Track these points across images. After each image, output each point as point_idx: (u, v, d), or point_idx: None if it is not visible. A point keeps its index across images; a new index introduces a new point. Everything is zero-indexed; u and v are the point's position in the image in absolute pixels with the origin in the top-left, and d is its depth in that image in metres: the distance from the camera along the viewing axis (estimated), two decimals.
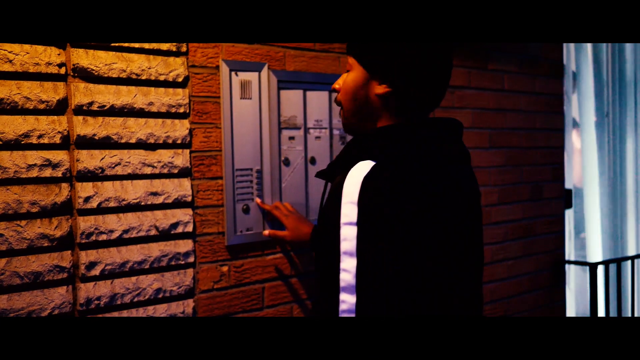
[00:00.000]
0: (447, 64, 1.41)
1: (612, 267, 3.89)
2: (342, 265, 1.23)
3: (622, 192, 4.26)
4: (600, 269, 3.44)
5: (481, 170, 2.90)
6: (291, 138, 2.21)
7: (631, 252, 4.26)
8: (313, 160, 2.26)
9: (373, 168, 1.26)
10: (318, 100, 2.27)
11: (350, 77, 1.45)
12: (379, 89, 1.40)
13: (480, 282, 1.44)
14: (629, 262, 3.84)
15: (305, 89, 2.24)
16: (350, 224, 1.22)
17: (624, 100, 4.23)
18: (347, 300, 1.24)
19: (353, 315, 1.23)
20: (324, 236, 1.35)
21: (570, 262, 3.42)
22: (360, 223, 1.21)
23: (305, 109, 2.24)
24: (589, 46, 4.03)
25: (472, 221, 1.38)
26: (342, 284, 1.24)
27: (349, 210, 1.23)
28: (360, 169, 1.27)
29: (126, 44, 1.83)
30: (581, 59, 4.02)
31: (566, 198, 3.45)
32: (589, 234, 4.12)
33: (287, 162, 2.19)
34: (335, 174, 1.40)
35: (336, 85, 1.51)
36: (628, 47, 4.23)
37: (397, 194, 1.22)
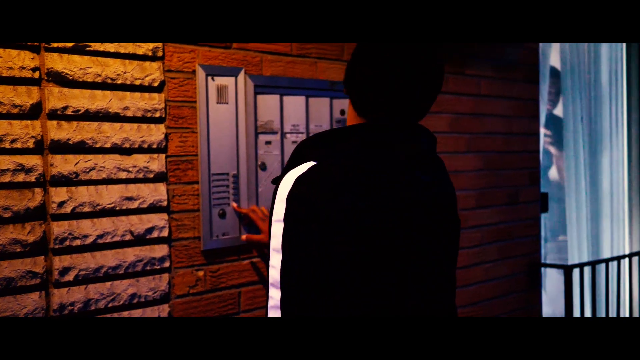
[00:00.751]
0: (412, 66, 1.32)
1: (587, 270, 3.93)
2: (271, 261, 1.25)
3: (598, 195, 4.30)
4: (576, 272, 3.47)
5: (459, 175, 2.92)
6: (268, 142, 2.21)
7: (606, 254, 4.31)
8: None
9: (310, 168, 1.25)
10: (295, 104, 2.27)
11: None
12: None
13: (437, 287, 1.35)
14: (604, 264, 3.88)
15: (281, 94, 2.24)
16: (279, 221, 1.23)
17: (599, 103, 4.28)
18: (274, 297, 1.25)
19: (278, 311, 1.24)
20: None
21: (546, 265, 3.45)
22: (286, 219, 1.22)
23: (282, 114, 2.24)
24: (568, 46, 4.07)
25: (421, 227, 1.30)
26: (270, 280, 1.25)
27: (279, 208, 1.24)
28: (299, 170, 1.26)
29: (101, 48, 1.82)
30: (565, 59, 4.06)
31: (542, 202, 3.49)
32: (569, 237, 4.16)
33: (263, 167, 2.19)
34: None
35: None
36: (604, 47, 4.28)
37: (324, 192, 1.21)
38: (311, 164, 1.26)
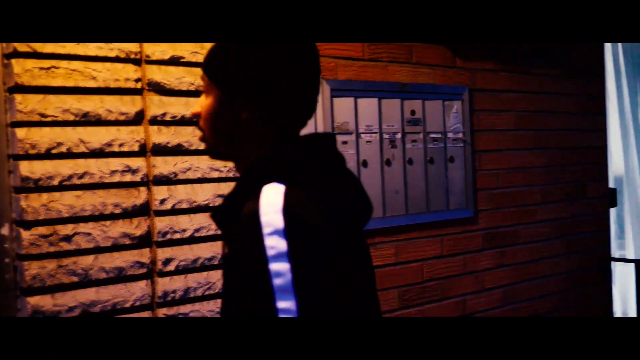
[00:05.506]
0: (316, 64, 1.22)
1: None
2: (280, 305, 1.07)
3: None
4: None
5: (525, 171, 3.01)
6: (344, 142, 2.36)
7: None
8: (365, 163, 2.40)
9: (287, 193, 1.10)
10: (368, 106, 2.42)
11: (208, 100, 1.23)
12: (243, 108, 1.19)
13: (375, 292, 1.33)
14: None
15: (355, 97, 2.39)
16: (280, 256, 1.06)
17: None
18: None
19: None
20: (239, 274, 1.16)
21: (616, 260, 3.49)
22: (294, 255, 1.06)
23: (356, 115, 2.39)
24: (628, 46, 4.10)
25: (361, 229, 1.29)
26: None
27: (275, 243, 1.06)
28: (273, 196, 1.09)
29: (193, 60, 2.00)
30: (622, 59, 4.09)
31: (610, 197, 3.53)
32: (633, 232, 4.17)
33: None
34: (234, 209, 1.16)
35: (195, 110, 1.27)
36: None
37: (321, 219, 1.10)
38: (279, 187, 1.10)
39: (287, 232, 1.06)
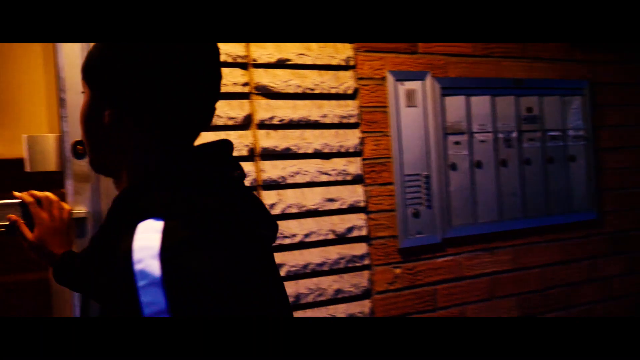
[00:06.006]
0: (194, 71, 1.01)
1: None
2: None
3: None
4: None
5: None
6: (456, 143, 2.25)
7: None
8: (479, 164, 2.29)
9: (166, 231, 0.92)
10: (481, 104, 2.31)
11: (83, 103, 1.08)
12: (105, 107, 1.03)
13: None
14: None
15: (467, 95, 2.29)
16: (159, 313, 0.89)
17: None
18: None
19: None
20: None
21: None
22: (175, 311, 0.89)
23: (469, 114, 2.28)
24: None
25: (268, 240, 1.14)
26: None
27: (152, 298, 0.89)
28: (149, 237, 0.92)
29: (300, 62, 1.97)
30: None
31: None
32: None
33: (453, 167, 2.24)
34: (109, 242, 0.99)
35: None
36: None
37: (207, 260, 0.93)
38: (158, 225, 0.93)
39: (165, 283, 0.89)
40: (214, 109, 1.07)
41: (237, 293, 0.95)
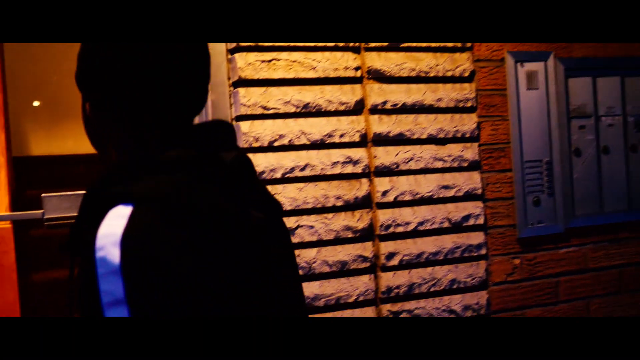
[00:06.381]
0: (173, 70, 1.00)
1: None
2: None
3: None
4: None
5: None
6: (581, 127, 2.12)
7: None
8: (606, 150, 2.14)
9: (132, 217, 0.89)
10: (609, 86, 2.15)
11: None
12: (85, 99, 1.06)
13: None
14: None
15: (594, 76, 2.14)
16: (116, 303, 0.86)
17: None
18: None
19: None
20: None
21: None
22: (132, 301, 0.86)
23: (595, 96, 2.14)
24: None
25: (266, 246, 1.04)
26: None
27: (109, 286, 0.87)
28: (114, 223, 0.89)
29: (414, 44, 1.90)
30: None
31: None
32: None
33: (577, 153, 2.11)
34: (83, 236, 0.96)
35: None
36: None
37: (173, 245, 0.89)
38: (126, 210, 0.90)
39: (123, 270, 0.86)
40: (194, 100, 1.03)
41: (207, 287, 0.89)
